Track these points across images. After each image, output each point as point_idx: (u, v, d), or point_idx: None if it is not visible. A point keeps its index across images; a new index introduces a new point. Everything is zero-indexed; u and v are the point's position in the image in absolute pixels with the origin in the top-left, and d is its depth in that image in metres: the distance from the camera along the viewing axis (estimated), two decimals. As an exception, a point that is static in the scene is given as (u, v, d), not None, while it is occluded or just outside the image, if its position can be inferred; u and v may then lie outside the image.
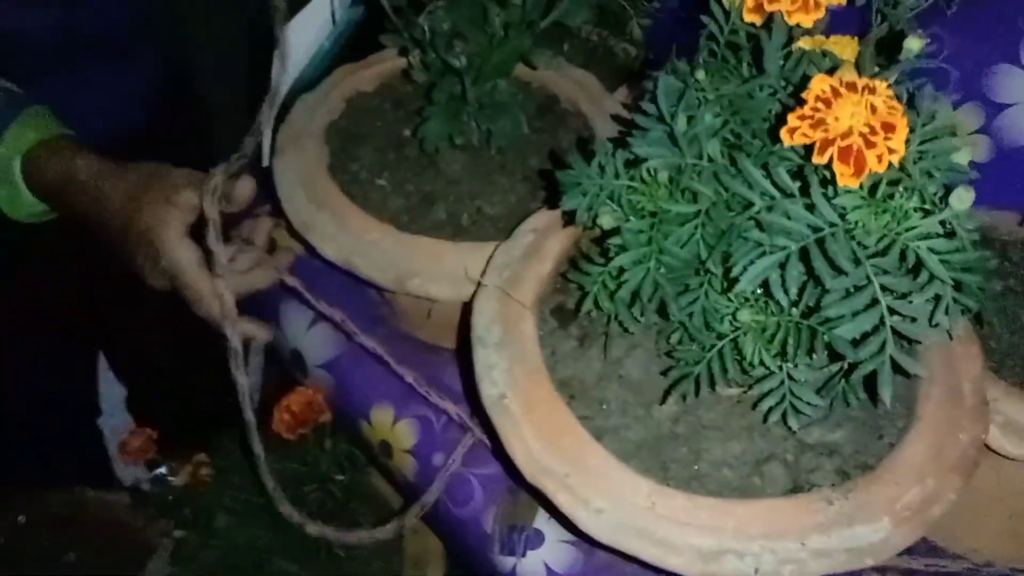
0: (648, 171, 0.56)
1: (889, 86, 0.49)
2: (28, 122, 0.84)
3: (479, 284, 0.69)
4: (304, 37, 1.08)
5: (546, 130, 0.89)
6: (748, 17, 0.56)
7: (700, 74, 0.57)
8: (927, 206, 0.46)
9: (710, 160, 0.54)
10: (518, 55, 0.76)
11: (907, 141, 0.47)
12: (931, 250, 0.47)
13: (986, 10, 0.89)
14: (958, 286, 0.48)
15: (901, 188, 0.47)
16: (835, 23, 0.61)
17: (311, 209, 0.81)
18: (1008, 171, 0.92)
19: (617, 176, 0.57)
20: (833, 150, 0.42)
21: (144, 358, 1.41)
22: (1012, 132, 0.91)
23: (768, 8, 0.55)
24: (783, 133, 0.44)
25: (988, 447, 0.66)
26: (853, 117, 0.42)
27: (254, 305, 0.99)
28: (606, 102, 0.91)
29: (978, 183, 0.98)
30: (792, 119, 0.44)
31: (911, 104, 0.51)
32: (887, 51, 0.63)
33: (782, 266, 0.48)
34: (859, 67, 0.55)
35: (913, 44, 0.54)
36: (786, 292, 0.47)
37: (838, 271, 0.46)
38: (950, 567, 0.77)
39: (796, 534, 0.56)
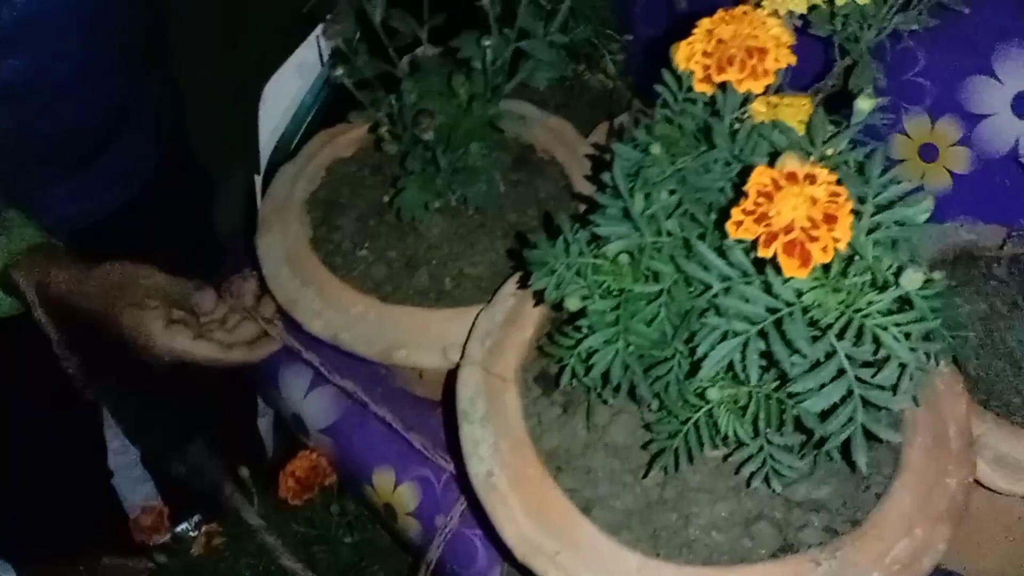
0: (610, 249, 0.56)
1: (834, 163, 0.49)
2: (3, 234, 0.88)
3: (461, 358, 0.70)
4: (285, 93, 1.09)
5: (523, 183, 0.89)
6: (698, 88, 0.56)
7: (655, 148, 0.57)
8: (880, 283, 0.46)
9: (670, 234, 0.55)
10: (485, 121, 0.77)
11: (859, 214, 0.47)
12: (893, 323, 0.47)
13: (957, 25, 0.89)
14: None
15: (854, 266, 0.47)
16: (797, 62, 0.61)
17: (296, 285, 0.82)
18: (990, 181, 0.91)
19: (581, 254, 0.58)
20: (777, 245, 0.42)
21: (147, 417, 1.42)
22: (992, 143, 0.90)
23: (716, 79, 0.55)
24: (728, 227, 0.44)
25: (979, 483, 0.66)
26: (795, 210, 0.42)
27: (253, 370, 1.01)
28: (581, 149, 0.91)
29: (961, 195, 0.98)
30: (736, 213, 0.44)
31: (863, 170, 0.51)
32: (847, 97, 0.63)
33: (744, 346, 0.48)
34: (811, 130, 0.55)
35: (864, 104, 0.54)
36: (747, 375, 0.47)
37: (797, 351, 0.46)
38: (961, 591, 0.77)
39: (785, 599, 0.56)
